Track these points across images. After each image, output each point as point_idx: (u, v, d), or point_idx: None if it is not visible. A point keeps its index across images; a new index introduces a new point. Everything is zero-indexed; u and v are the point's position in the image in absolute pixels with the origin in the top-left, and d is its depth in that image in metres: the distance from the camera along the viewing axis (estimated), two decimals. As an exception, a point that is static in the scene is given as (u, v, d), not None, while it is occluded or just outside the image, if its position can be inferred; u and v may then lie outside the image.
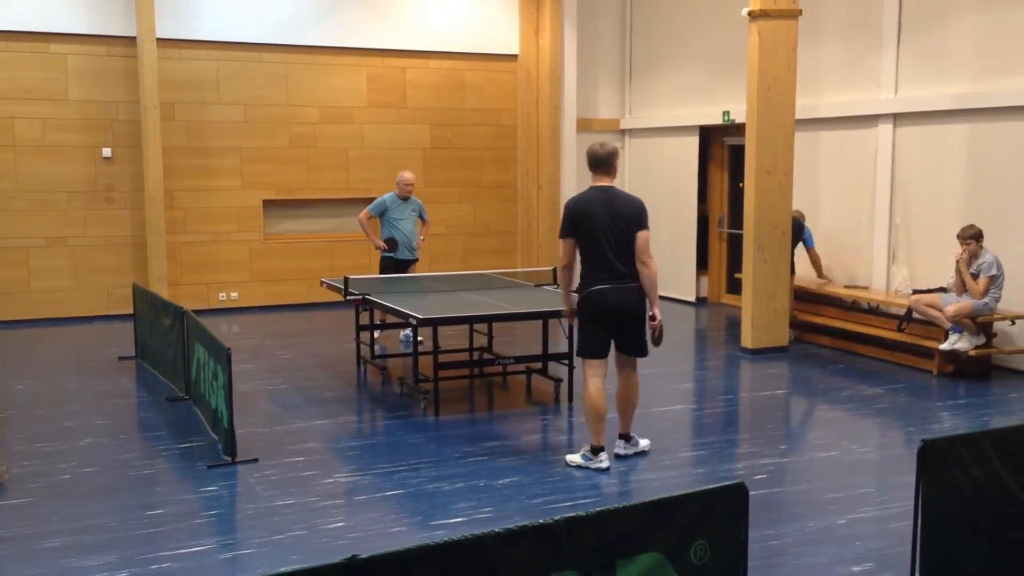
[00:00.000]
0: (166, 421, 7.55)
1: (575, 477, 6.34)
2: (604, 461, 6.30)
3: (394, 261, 10.31)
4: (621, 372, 6.49)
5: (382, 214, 10.28)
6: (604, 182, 6.22)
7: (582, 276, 6.29)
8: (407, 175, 10.37)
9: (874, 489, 6.12)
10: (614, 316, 6.19)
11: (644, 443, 6.69)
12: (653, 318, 6.23)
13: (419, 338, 10.14)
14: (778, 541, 5.15)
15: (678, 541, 3.30)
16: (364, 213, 10.35)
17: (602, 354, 6.29)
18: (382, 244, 10.31)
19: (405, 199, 10.31)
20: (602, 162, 6.21)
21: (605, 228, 6.09)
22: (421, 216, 10.49)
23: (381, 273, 10.38)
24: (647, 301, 6.24)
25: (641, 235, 6.11)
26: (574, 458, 6.39)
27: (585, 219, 6.14)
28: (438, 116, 13.73)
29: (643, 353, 6.39)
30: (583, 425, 7.48)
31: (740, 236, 10.59)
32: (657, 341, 6.31)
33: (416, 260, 10.51)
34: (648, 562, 3.23)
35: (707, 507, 3.38)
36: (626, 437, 6.61)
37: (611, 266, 6.12)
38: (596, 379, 6.29)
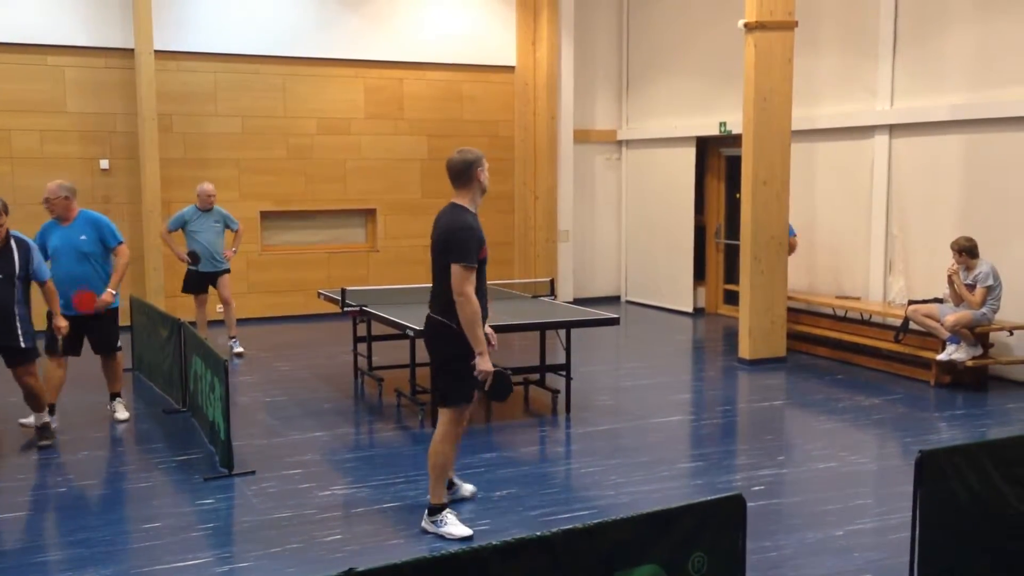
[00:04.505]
0: (163, 433, 7.53)
1: (573, 488, 6.33)
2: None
3: (197, 274, 10.45)
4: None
5: (183, 227, 10.34)
6: (455, 198, 5.41)
7: None
8: (207, 186, 10.44)
9: (872, 500, 6.12)
10: (425, 345, 5.59)
11: (455, 530, 5.34)
12: (473, 367, 5.26)
13: (239, 349, 10.61)
14: (776, 552, 5.14)
15: (676, 553, 3.30)
16: (163, 228, 10.54)
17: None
18: (186, 257, 10.38)
19: (207, 211, 10.37)
20: (455, 174, 5.38)
21: (432, 250, 5.44)
22: (228, 226, 10.51)
23: (184, 286, 10.58)
24: (447, 339, 5.31)
25: (451, 268, 5.17)
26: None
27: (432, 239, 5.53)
28: (435, 127, 13.75)
29: (441, 400, 5.43)
30: (581, 436, 7.49)
31: (737, 247, 10.60)
32: (491, 394, 5.38)
33: (225, 271, 10.53)
34: (646, 573, 3.23)
35: (705, 518, 3.38)
36: (429, 508, 5.47)
37: (431, 292, 5.48)
38: None
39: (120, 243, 7.64)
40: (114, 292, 7.57)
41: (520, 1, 14.01)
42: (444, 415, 5.39)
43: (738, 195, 10.68)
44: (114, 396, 7.98)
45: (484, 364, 5.25)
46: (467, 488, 5.96)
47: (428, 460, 5.44)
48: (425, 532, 5.41)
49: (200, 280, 10.47)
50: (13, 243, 6.74)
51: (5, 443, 7.13)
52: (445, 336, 5.31)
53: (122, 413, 7.89)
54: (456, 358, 5.30)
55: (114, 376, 7.91)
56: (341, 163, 13.27)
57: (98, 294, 7.48)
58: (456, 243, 5.20)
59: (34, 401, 7.08)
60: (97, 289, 7.49)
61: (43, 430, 7.13)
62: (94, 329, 7.65)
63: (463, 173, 5.37)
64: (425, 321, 5.53)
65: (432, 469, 5.40)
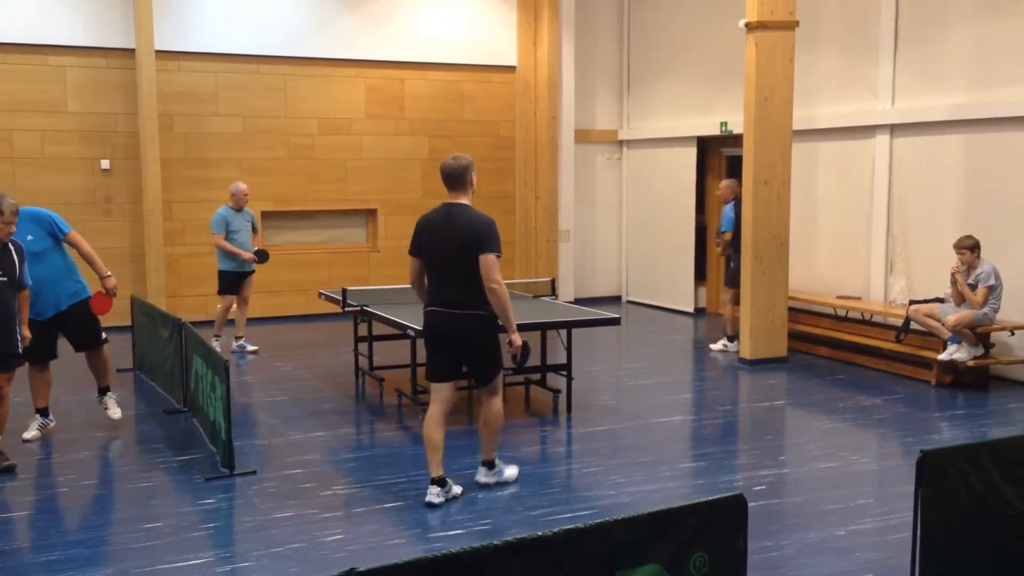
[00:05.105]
0: (164, 434, 7.54)
1: (574, 488, 6.34)
2: (432, 495, 5.84)
3: (236, 275, 10.42)
4: (482, 398, 6.14)
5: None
6: (454, 199, 5.86)
7: (426, 295, 5.98)
8: (243, 186, 10.46)
9: (873, 500, 6.12)
10: (449, 341, 5.85)
11: (509, 472, 6.25)
12: (511, 343, 5.88)
13: (252, 347, 10.66)
14: (777, 552, 5.14)
15: (677, 553, 3.30)
16: (219, 237, 10.22)
17: (440, 377, 5.93)
18: (253, 256, 10.35)
19: (239, 210, 10.39)
20: (453, 178, 5.85)
21: (443, 249, 5.77)
22: (253, 227, 10.58)
23: (222, 288, 10.46)
24: (486, 327, 5.84)
25: (482, 259, 5.65)
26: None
27: (426, 238, 5.86)
28: (436, 127, 13.75)
29: (483, 381, 5.99)
30: (582, 436, 7.50)
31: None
32: (521, 364, 6.05)
33: (253, 271, 10.60)
34: (648, 573, 3.22)
35: (706, 518, 3.38)
36: (488, 464, 6.21)
37: (447, 289, 5.79)
38: (434, 405, 5.94)
39: (70, 231, 7.22)
40: (108, 273, 7.33)
41: (521, 1, 14.01)
42: (494, 387, 6.02)
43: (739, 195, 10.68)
44: (104, 391, 7.71)
45: (519, 339, 5.88)
46: (456, 488, 6.04)
47: (486, 425, 6.06)
48: (481, 485, 6.13)
49: (239, 281, 10.46)
50: (10, 244, 6.45)
51: (5, 444, 7.12)
52: (485, 324, 5.84)
53: (115, 411, 7.67)
54: (493, 340, 5.94)
55: (103, 370, 7.58)
56: (342, 163, 13.27)
57: (66, 289, 7.16)
58: (489, 236, 5.72)
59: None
60: (63, 285, 7.14)
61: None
62: (72, 327, 7.31)
63: (460, 177, 5.85)
64: (451, 319, 5.78)
65: (493, 431, 6.08)
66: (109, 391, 7.76)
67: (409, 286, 6.28)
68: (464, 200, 5.86)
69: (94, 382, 7.81)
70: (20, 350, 6.56)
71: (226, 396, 6.31)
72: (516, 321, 6.08)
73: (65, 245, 7.28)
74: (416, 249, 5.94)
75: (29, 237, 6.95)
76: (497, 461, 6.24)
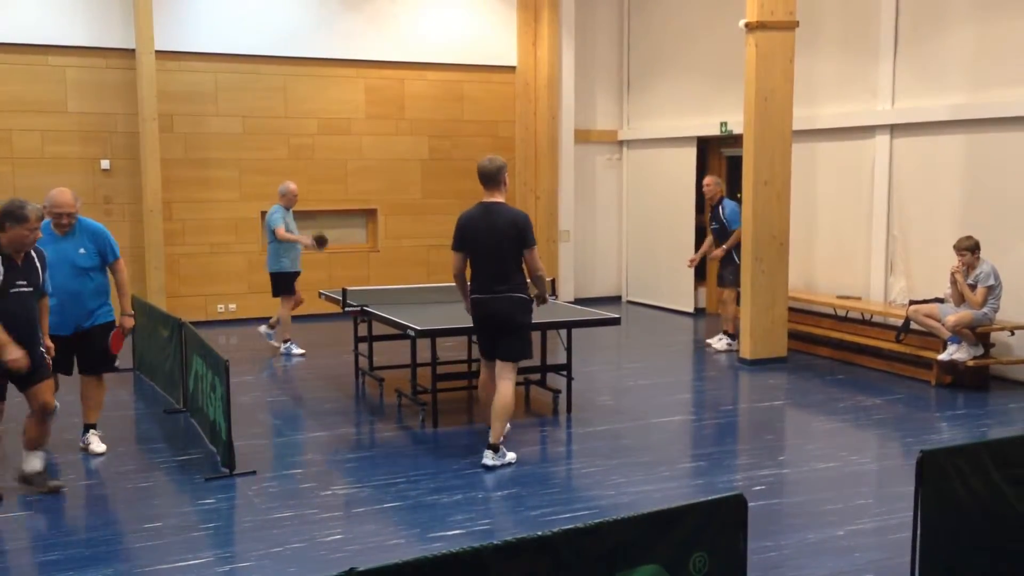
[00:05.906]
0: (164, 433, 7.54)
1: (574, 488, 6.34)
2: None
3: (293, 275, 10.43)
4: (497, 378, 6.68)
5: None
6: (490, 197, 6.58)
7: (471, 285, 6.70)
8: (294, 186, 10.51)
9: (873, 500, 6.12)
10: (494, 321, 6.61)
11: (510, 456, 6.69)
12: (543, 299, 6.95)
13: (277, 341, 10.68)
14: (777, 553, 5.14)
15: (677, 553, 3.30)
16: (280, 229, 10.19)
17: (489, 356, 6.79)
18: (313, 242, 10.33)
19: (288, 209, 10.43)
20: (490, 177, 6.55)
21: (487, 243, 6.49)
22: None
23: (282, 288, 10.40)
24: (525, 306, 6.64)
25: (528, 254, 6.51)
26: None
27: (469, 234, 6.56)
28: (436, 127, 13.75)
29: (513, 358, 6.64)
30: (582, 436, 7.51)
31: (738, 247, 10.57)
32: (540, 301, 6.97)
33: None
34: (647, 574, 3.22)
35: (706, 518, 3.38)
36: (494, 448, 6.62)
37: (490, 278, 6.53)
38: (484, 371, 6.91)
39: (119, 258, 6.94)
40: (132, 312, 7.05)
41: (521, 1, 14.02)
42: (513, 369, 6.65)
43: (739, 195, 10.69)
44: (89, 428, 7.06)
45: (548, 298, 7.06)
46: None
47: (498, 408, 6.53)
48: (488, 468, 6.49)
49: (293, 280, 10.48)
50: (33, 251, 6.10)
51: (6, 444, 7.12)
52: (525, 307, 6.59)
53: (98, 446, 6.98)
54: (528, 321, 6.67)
55: (96, 402, 7.04)
56: (342, 163, 13.27)
57: (94, 310, 6.81)
58: (529, 231, 6.50)
59: (43, 435, 6.18)
60: (93, 305, 6.79)
61: (42, 476, 6.18)
62: (88, 347, 6.83)
63: (495, 176, 6.54)
64: (496, 302, 6.51)
65: (504, 413, 6.56)
66: (95, 428, 7.10)
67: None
68: (499, 198, 6.55)
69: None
70: (47, 360, 6.21)
71: (226, 396, 6.32)
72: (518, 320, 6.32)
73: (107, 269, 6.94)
74: (459, 244, 6.63)
75: (81, 251, 6.68)
76: (500, 446, 6.64)
